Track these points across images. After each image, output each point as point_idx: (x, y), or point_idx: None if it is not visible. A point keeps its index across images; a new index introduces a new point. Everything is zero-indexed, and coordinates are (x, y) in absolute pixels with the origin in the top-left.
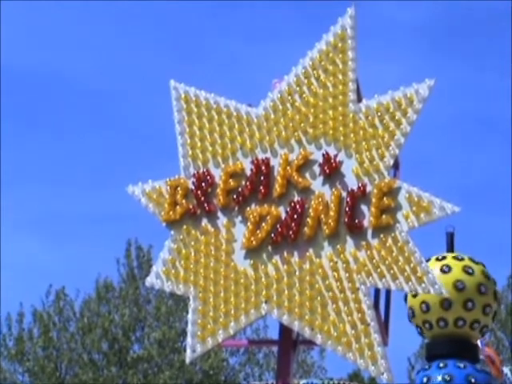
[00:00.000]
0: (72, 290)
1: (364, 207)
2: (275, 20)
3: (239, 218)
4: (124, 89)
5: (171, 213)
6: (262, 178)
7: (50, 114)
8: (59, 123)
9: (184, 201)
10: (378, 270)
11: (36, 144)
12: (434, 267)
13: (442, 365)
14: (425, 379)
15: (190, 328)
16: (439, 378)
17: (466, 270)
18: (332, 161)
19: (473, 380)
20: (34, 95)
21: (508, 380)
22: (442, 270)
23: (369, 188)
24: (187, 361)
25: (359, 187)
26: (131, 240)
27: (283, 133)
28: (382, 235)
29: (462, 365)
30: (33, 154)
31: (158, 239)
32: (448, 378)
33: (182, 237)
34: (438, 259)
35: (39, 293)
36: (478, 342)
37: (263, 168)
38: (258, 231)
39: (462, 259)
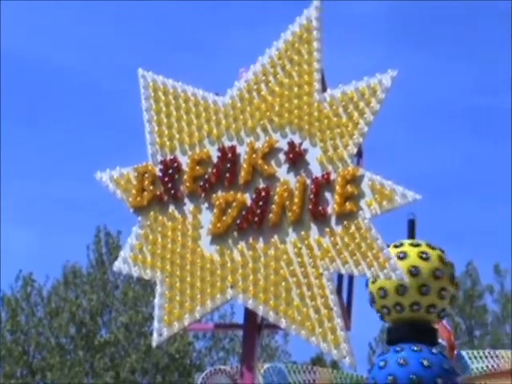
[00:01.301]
0: (41, 276)
1: (328, 194)
2: (242, 11)
3: (206, 204)
4: (92, 75)
5: (139, 199)
6: (228, 165)
7: (17, 101)
8: (28, 110)
9: (151, 187)
10: (341, 256)
11: (5, 133)
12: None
13: (398, 349)
14: (382, 363)
15: (156, 312)
16: (394, 362)
17: (422, 256)
18: (297, 149)
19: (426, 363)
20: None
21: (465, 364)
22: (398, 257)
23: (333, 176)
24: (154, 344)
25: (323, 175)
26: (100, 226)
27: (249, 121)
28: (345, 222)
29: (416, 348)
30: (2, 144)
31: (127, 225)
32: (402, 362)
33: (149, 223)
34: (395, 246)
35: (7, 278)
36: (444, 323)
37: (229, 155)
38: (224, 217)
39: (419, 245)
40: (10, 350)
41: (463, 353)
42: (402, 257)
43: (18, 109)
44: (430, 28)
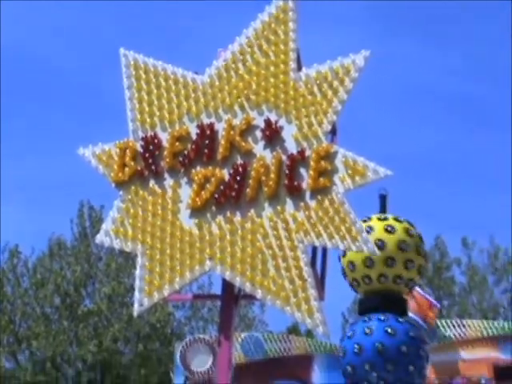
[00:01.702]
0: (26, 248)
1: (303, 170)
2: None
3: (185, 179)
4: (74, 56)
5: (120, 174)
6: (206, 141)
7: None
8: (9, 91)
9: (132, 162)
10: (316, 229)
11: None
12: None
13: (366, 319)
14: (350, 333)
15: (137, 283)
16: (361, 331)
17: (387, 229)
18: (273, 126)
19: (390, 331)
20: None
21: (439, 332)
22: (366, 231)
23: (307, 152)
24: (135, 314)
25: (298, 151)
26: (83, 200)
27: (227, 99)
28: (319, 197)
29: (383, 317)
30: None
31: (110, 199)
32: (368, 331)
33: (130, 197)
34: (364, 221)
35: None
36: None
37: (208, 132)
38: (202, 192)
39: (386, 219)
40: None
41: (438, 321)
42: (369, 231)
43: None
44: (410, 12)
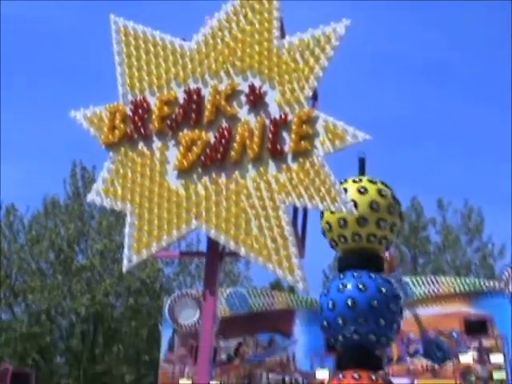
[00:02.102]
0: (22, 206)
1: (285, 134)
2: None
3: (172, 142)
4: (68, 21)
5: (110, 136)
6: (193, 105)
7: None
8: (9, 56)
9: (122, 125)
10: (297, 190)
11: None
12: None
13: (341, 276)
14: (325, 291)
15: (126, 241)
16: (335, 288)
17: (360, 190)
18: (257, 91)
19: (361, 287)
20: None
21: (408, 287)
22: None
23: (290, 117)
24: (124, 270)
25: (281, 116)
26: (76, 161)
27: (213, 65)
28: (300, 159)
29: (356, 274)
30: None
31: (102, 160)
32: (341, 288)
33: (120, 158)
34: (340, 183)
35: None
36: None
37: (195, 97)
38: (189, 154)
39: (360, 181)
40: None
41: (407, 279)
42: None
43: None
44: None
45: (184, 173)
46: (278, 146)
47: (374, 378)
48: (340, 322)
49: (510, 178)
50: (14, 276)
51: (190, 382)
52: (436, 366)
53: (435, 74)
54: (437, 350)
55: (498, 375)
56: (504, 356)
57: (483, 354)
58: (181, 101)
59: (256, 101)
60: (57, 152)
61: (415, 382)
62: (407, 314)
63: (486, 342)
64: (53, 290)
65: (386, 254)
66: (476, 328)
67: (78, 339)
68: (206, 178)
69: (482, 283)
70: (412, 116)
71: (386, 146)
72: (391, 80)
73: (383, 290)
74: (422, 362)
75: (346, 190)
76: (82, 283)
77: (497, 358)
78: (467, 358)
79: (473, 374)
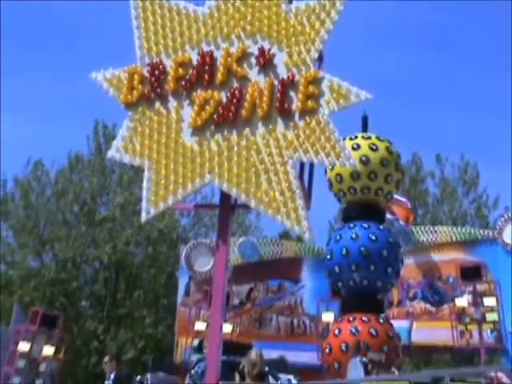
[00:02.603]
0: (49, 162)
1: (292, 94)
2: None
3: (187, 101)
4: None
5: (129, 96)
6: (206, 67)
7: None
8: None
9: (140, 86)
10: (303, 146)
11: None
12: (347, 145)
13: (351, 225)
14: (338, 237)
15: (144, 194)
16: (348, 237)
17: (371, 147)
18: (266, 54)
19: (373, 237)
20: None
21: (413, 237)
22: (352, 148)
23: (297, 77)
24: (142, 221)
25: (288, 76)
26: (98, 119)
27: (225, 29)
28: (307, 117)
29: (366, 225)
30: (22, 51)
31: (121, 119)
32: (354, 237)
33: (138, 117)
34: (350, 138)
35: (19, 164)
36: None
37: (207, 59)
38: (202, 113)
39: (369, 138)
40: (24, 225)
41: (408, 229)
42: (356, 148)
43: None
44: None
45: (198, 130)
46: (286, 105)
47: (381, 320)
48: (353, 268)
49: (504, 134)
50: (41, 227)
51: (206, 324)
52: (433, 309)
53: (434, 37)
54: (434, 294)
55: (491, 317)
56: (496, 299)
57: (477, 298)
58: (194, 63)
59: (265, 62)
60: (80, 111)
61: (414, 324)
62: (410, 261)
63: (480, 287)
64: (78, 240)
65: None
66: (471, 274)
67: (101, 285)
68: (218, 135)
69: (477, 232)
70: (412, 77)
71: (388, 106)
72: (392, 42)
73: (391, 240)
74: (420, 306)
75: (358, 145)
76: (104, 233)
77: (490, 301)
78: (462, 301)
79: (467, 316)
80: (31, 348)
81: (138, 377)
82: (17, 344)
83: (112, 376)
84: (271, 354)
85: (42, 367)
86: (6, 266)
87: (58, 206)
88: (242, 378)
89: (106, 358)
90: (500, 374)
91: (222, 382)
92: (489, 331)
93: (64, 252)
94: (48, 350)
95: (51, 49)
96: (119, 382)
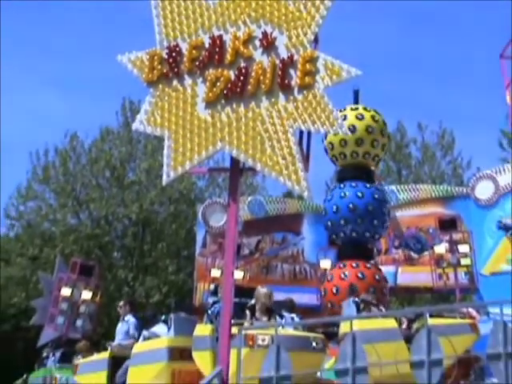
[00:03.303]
0: (83, 134)
1: (292, 71)
2: None
3: (200, 79)
4: None
5: (150, 75)
6: (217, 49)
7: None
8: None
9: (160, 66)
10: (302, 117)
11: (57, 23)
12: None
13: (342, 186)
14: (329, 197)
15: (165, 160)
16: (338, 195)
17: (357, 117)
18: (268, 37)
19: (359, 194)
20: None
21: (394, 195)
22: (342, 119)
23: (295, 57)
24: (164, 183)
25: (288, 56)
26: (126, 97)
27: (232, 16)
28: (304, 92)
29: (354, 184)
30: (58, 31)
31: (145, 95)
32: (343, 195)
33: (158, 93)
34: (340, 111)
35: (58, 135)
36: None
37: (218, 42)
38: (214, 89)
39: (357, 109)
40: (63, 188)
41: (393, 187)
42: (344, 118)
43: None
44: None
45: (210, 104)
46: (286, 81)
47: (369, 265)
48: (342, 222)
49: (477, 104)
50: (78, 189)
51: (220, 271)
52: (416, 256)
53: (416, 14)
54: (416, 243)
55: (465, 261)
56: (469, 246)
57: (453, 245)
58: (206, 45)
59: (268, 44)
60: (110, 89)
61: (399, 268)
62: (394, 214)
63: (456, 236)
64: (109, 200)
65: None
66: (448, 225)
67: (130, 239)
68: (228, 108)
69: (453, 189)
70: (397, 52)
71: (375, 79)
72: (375, 20)
73: (376, 196)
74: (404, 253)
75: (346, 116)
76: (132, 194)
77: (464, 248)
78: (440, 248)
79: (445, 261)
80: (72, 293)
81: (163, 316)
82: (60, 290)
83: (126, 318)
84: (277, 296)
85: (82, 309)
86: (49, 224)
87: (92, 172)
88: (252, 314)
89: (121, 303)
90: (470, 310)
91: (235, 319)
92: (463, 274)
93: (98, 211)
94: (86, 295)
95: (84, 32)
96: (146, 322)
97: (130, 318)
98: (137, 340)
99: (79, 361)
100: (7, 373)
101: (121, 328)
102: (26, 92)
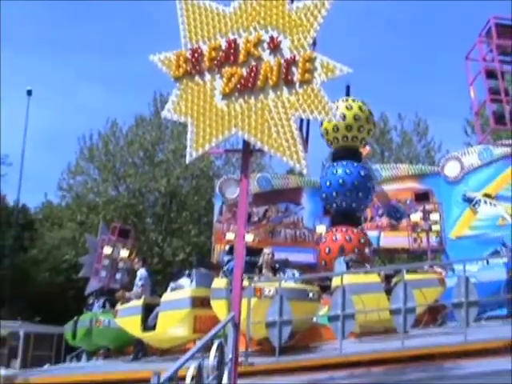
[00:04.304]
0: (121, 121)
1: (294, 69)
2: None
3: (218, 75)
4: None
5: (176, 72)
6: (231, 50)
7: None
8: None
9: (184, 65)
10: (302, 107)
11: (97, 25)
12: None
13: (334, 164)
14: (323, 174)
15: (188, 143)
16: (331, 173)
17: (347, 107)
18: (275, 40)
19: (348, 171)
20: None
21: (378, 173)
22: (334, 109)
23: (297, 57)
24: (187, 161)
25: (291, 57)
26: (156, 90)
27: (245, 23)
28: (305, 86)
29: (344, 163)
30: (96, 27)
31: (172, 88)
32: (335, 172)
33: (183, 87)
34: (333, 102)
35: (101, 122)
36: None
37: (232, 44)
38: (229, 83)
39: (347, 100)
40: (105, 165)
41: (377, 166)
42: (337, 108)
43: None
44: None
45: (226, 96)
46: (289, 77)
47: (355, 231)
48: (334, 194)
49: (446, 98)
50: (117, 167)
51: (234, 235)
52: (395, 223)
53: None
54: (396, 212)
55: (435, 227)
56: (439, 215)
57: (426, 214)
58: (223, 47)
59: (274, 47)
60: (143, 84)
61: (381, 233)
62: (381, 188)
63: (428, 206)
64: (142, 176)
65: (365, 151)
66: (422, 197)
67: (159, 208)
68: (241, 100)
69: (426, 168)
70: (380, 53)
71: (364, 75)
72: (361, 27)
73: (362, 173)
74: (386, 220)
75: (338, 107)
76: (161, 171)
77: (435, 217)
78: (416, 217)
79: (419, 227)
80: (112, 251)
81: (187, 272)
82: (102, 249)
83: (139, 271)
84: (280, 255)
85: (120, 265)
86: (94, 195)
87: (128, 152)
88: (260, 271)
89: (136, 259)
90: (435, 267)
91: (246, 274)
92: (434, 237)
93: (133, 184)
94: (124, 253)
95: (121, 34)
96: (173, 276)
97: (142, 271)
98: (143, 287)
99: (118, 307)
100: (62, 315)
101: (135, 279)
102: (75, 88)
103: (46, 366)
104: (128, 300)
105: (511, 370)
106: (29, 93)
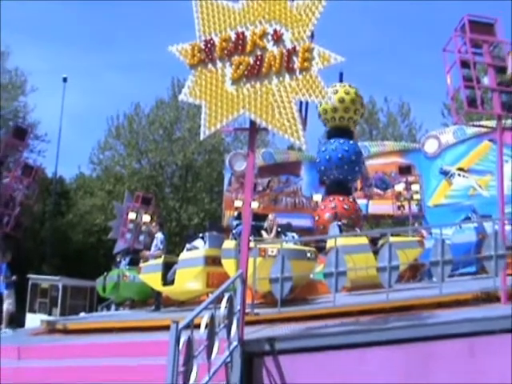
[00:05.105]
0: (144, 103)
1: (295, 58)
2: None
3: (228, 63)
4: None
5: (192, 60)
6: (240, 42)
7: None
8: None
9: (198, 54)
10: (302, 91)
11: (120, 18)
12: (330, 91)
13: (332, 141)
14: (323, 148)
15: (202, 122)
16: (330, 149)
17: (345, 92)
18: (278, 33)
19: (346, 148)
20: None
21: (366, 149)
22: (334, 92)
23: (297, 48)
24: (201, 138)
25: (292, 47)
26: (174, 76)
27: (251, 17)
28: (304, 73)
29: (342, 141)
30: (121, 23)
31: (188, 75)
32: (334, 148)
33: (197, 73)
34: (333, 86)
35: (127, 104)
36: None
37: (241, 36)
38: (238, 70)
39: (344, 86)
40: (129, 142)
41: (366, 143)
42: (335, 92)
43: None
44: None
45: (235, 81)
46: (291, 65)
47: (351, 199)
48: (333, 168)
49: (426, 84)
50: (140, 143)
51: (241, 202)
52: (382, 192)
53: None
54: (382, 183)
55: (416, 196)
56: (419, 186)
57: (408, 185)
58: (232, 39)
59: (277, 38)
60: (163, 70)
61: (370, 202)
62: (367, 162)
63: (410, 178)
64: (162, 151)
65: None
66: (405, 170)
67: (177, 179)
68: (248, 85)
69: (409, 145)
70: (371, 44)
71: (356, 63)
72: (356, 20)
73: (357, 150)
74: (374, 190)
75: (337, 91)
76: (178, 147)
77: (416, 187)
78: (399, 187)
79: (402, 196)
80: (136, 217)
81: (201, 234)
82: (128, 214)
83: (156, 235)
84: (282, 220)
85: (143, 228)
86: (120, 168)
87: (150, 131)
88: (266, 233)
89: (154, 223)
90: (422, 230)
91: (253, 237)
92: (415, 205)
93: (154, 158)
94: (146, 218)
95: (142, 26)
96: (189, 238)
97: (159, 235)
98: (162, 250)
99: (142, 264)
100: (94, 271)
101: (153, 242)
102: (103, 75)
103: (82, 314)
104: (148, 259)
105: (479, 318)
106: (64, 80)
